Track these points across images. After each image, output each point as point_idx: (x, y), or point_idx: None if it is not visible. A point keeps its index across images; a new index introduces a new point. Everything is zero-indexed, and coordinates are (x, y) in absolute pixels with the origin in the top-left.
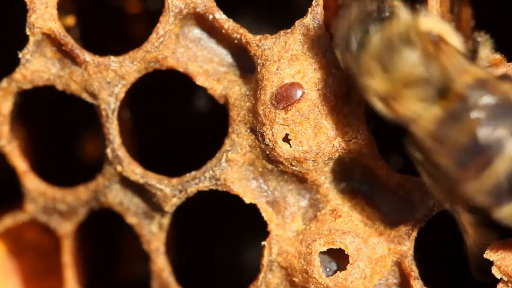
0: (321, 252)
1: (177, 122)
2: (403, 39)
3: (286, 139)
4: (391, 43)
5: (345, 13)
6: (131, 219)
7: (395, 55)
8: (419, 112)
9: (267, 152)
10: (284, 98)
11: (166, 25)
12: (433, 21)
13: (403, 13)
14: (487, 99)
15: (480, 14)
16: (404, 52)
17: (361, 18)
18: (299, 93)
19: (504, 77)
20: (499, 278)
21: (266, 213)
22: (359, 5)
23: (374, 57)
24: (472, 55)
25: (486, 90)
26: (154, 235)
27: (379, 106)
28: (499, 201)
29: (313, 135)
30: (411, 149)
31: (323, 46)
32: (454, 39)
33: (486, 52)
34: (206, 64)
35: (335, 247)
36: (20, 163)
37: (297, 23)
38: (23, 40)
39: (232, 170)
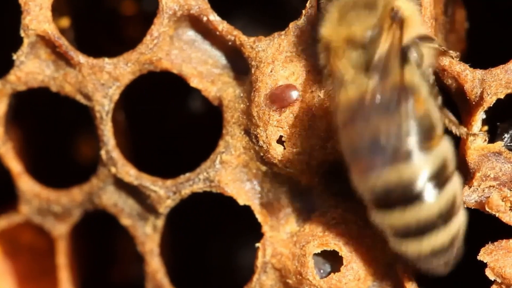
0: (315, 254)
1: (171, 123)
2: (369, 2)
3: (280, 141)
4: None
5: None
6: (125, 221)
7: (354, 11)
8: (349, 77)
9: (261, 154)
10: (279, 99)
11: (160, 27)
12: (409, 5)
13: None
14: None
15: (476, 15)
16: (363, 12)
17: None
18: (295, 95)
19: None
20: (492, 280)
21: (260, 214)
22: None
23: (339, 7)
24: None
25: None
26: (148, 236)
27: (322, 56)
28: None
29: (307, 137)
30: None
31: (317, 48)
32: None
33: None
34: (200, 66)
35: (329, 249)
36: (14, 165)
37: (291, 25)
38: (18, 42)
39: (226, 172)
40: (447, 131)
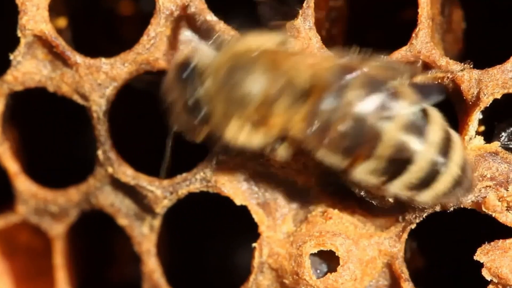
0: (311, 254)
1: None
2: (234, 71)
3: None
4: (228, 82)
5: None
6: (122, 221)
7: (240, 91)
8: (290, 120)
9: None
10: None
11: (157, 27)
12: (253, 37)
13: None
14: (353, 77)
15: (473, 15)
16: (246, 81)
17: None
18: None
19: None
20: (489, 280)
21: (257, 214)
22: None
23: (222, 102)
24: None
25: (347, 70)
26: (145, 236)
27: (243, 137)
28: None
29: None
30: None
31: (314, 47)
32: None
33: None
34: None
35: (325, 249)
36: (11, 165)
37: (287, 25)
38: (15, 42)
39: (223, 172)
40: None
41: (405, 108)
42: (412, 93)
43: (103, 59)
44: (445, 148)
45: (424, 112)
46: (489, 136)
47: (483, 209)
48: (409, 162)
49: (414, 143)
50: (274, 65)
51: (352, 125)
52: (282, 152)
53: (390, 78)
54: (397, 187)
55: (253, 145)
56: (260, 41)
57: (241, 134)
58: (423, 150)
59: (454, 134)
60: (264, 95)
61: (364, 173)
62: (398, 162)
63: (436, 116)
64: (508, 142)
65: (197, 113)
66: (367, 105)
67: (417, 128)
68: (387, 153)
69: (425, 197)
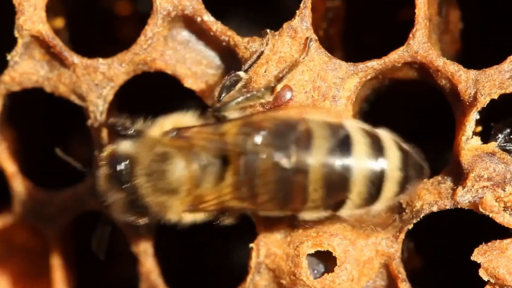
0: (308, 254)
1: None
2: (156, 160)
3: None
4: (153, 173)
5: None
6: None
7: (166, 180)
8: (221, 193)
9: None
10: (273, 98)
11: (154, 28)
12: (160, 122)
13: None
14: (260, 136)
15: (470, 16)
16: (169, 169)
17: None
18: (288, 95)
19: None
20: (486, 280)
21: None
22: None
23: (154, 193)
24: (218, 114)
25: (253, 131)
26: (142, 237)
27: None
28: None
29: None
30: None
31: (311, 48)
32: (188, 118)
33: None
34: (194, 66)
35: (322, 249)
36: (8, 165)
37: (285, 25)
38: (12, 42)
39: None
40: None
41: (320, 148)
42: (324, 126)
43: (100, 60)
44: (377, 152)
45: (341, 127)
46: (486, 136)
47: (480, 209)
48: (346, 183)
49: (342, 162)
50: (189, 146)
51: (276, 180)
52: (229, 221)
53: (296, 123)
54: (348, 211)
55: (199, 221)
56: (172, 122)
57: (182, 216)
58: (355, 164)
59: (381, 133)
60: (189, 178)
61: (309, 213)
62: (337, 190)
63: (354, 126)
64: (505, 144)
65: (134, 209)
66: (282, 159)
67: (340, 147)
68: (320, 189)
69: (379, 207)
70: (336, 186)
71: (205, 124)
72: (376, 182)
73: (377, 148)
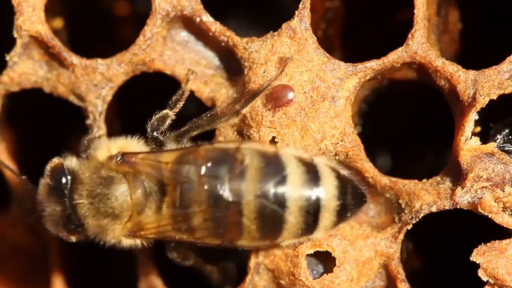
0: (308, 255)
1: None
2: (100, 183)
3: (273, 142)
4: (96, 195)
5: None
6: None
7: (109, 204)
8: (161, 222)
9: None
10: (274, 98)
11: (153, 28)
12: (107, 145)
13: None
14: (196, 167)
15: (469, 16)
16: (112, 193)
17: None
18: (290, 95)
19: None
20: (485, 280)
21: None
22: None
23: (96, 217)
24: (159, 142)
25: (189, 162)
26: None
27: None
28: None
29: (300, 137)
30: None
31: (310, 48)
32: (134, 144)
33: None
34: (193, 66)
35: (322, 250)
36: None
37: (284, 25)
38: (11, 43)
39: None
40: None
41: (254, 179)
42: (260, 157)
43: (99, 60)
44: (313, 181)
45: (276, 157)
46: (485, 137)
47: (479, 210)
48: (281, 214)
49: (276, 193)
50: (133, 172)
51: (211, 212)
52: (175, 255)
53: (231, 154)
54: (286, 241)
55: (139, 246)
56: (119, 146)
57: (121, 240)
58: (290, 195)
59: (318, 161)
60: (132, 204)
61: (247, 243)
62: (272, 221)
63: (290, 155)
64: (504, 144)
65: (69, 225)
66: (216, 190)
67: (275, 178)
68: (254, 220)
69: (319, 235)
70: (271, 217)
71: (150, 152)
72: (312, 212)
73: (313, 177)
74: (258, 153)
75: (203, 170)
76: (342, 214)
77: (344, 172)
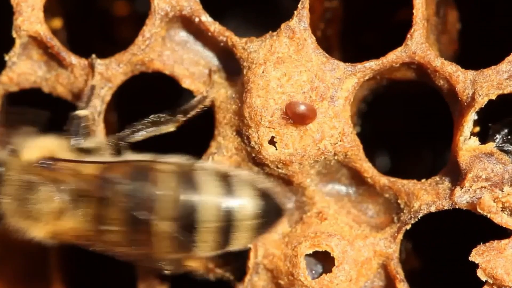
0: (306, 255)
1: None
2: (22, 186)
3: (272, 142)
4: (18, 197)
5: None
6: None
7: (29, 207)
8: (79, 229)
9: (253, 155)
10: (299, 118)
11: (152, 28)
12: (39, 145)
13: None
14: (113, 183)
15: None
16: (33, 197)
17: None
18: (302, 108)
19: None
20: (484, 280)
21: None
22: None
23: (16, 217)
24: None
25: (108, 176)
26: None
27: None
28: None
29: (299, 137)
30: None
31: (309, 48)
32: (62, 148)
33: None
34: (192, 66)
35: (320, 250)
36: None
37: (283, 25)
38: (10, 43)
39: None
40: None
41: (168, 197)
42: (173, 175)
43: (98, 60)
44: (227, 195)
45: (191, 173)
46: (484, 137)
47: (478, 210)
48: (195, 229)
49: (190, 209)
50: (55, 178)
51: (126, 226)
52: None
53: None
54: (203, 254)
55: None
56: (45, 149)
57: (47, 239)
58: (203, 208)
59: (236, 175)
60: (51, 210)
61: (163, 255)
62: (186, 235)
63: (206, 171)
64: (503, 144)
65: None
66: (131, 207)
67: (188, 193)
68: (168, 235)
69: (235, 247)
70: (185, 232)
71: (74, 160)
72: (226, 226)
73: (228, 192)
74: (173, 169)
75: (120, 186)
76: (257, 228)
77: (265, 184)
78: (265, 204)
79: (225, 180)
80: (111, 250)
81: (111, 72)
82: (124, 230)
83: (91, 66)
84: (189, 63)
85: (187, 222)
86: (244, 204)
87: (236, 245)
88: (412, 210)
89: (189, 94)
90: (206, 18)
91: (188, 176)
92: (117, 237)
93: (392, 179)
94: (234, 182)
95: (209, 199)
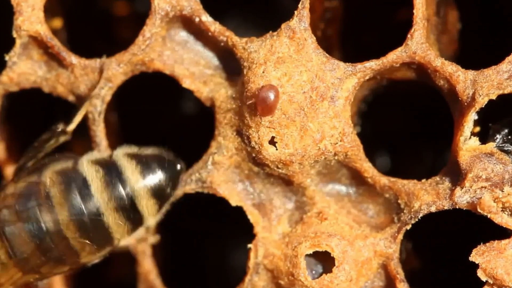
0: (307, 255)
1: (163, 124)
2: None
3: (272, 142)
4: None
5: None
6: None
7: None
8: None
9: (253, 155)
10: (259, 98)
11: (152, 28)
12: None
13: None
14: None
15: (468, 16)
16: None
17: None
18: (271, 96)
19: None
20: (484, 281)
21: (252, 215)
22: None
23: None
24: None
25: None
26: (141, 237)
27: None
28: None
29: (299, 137)
30: None
31: (309, 48)
32: None
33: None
34: (192, 66)
35: (321, 250)
36: (7, 166)
37: (283, 25)
38: (10, 43)
39: (218, 173)
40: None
41: (61, 204)
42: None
43: (99, 60)
44: (115, 180)
45: (75, 172)
46: (484, 137)
47: (479, 210)
48: (100, 222)
49: (87, 207)
50: None
51: (39, 248)
52: None
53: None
54: (124, 240)
55: None
56: None
57: None
58: (100, 202)
59: (115, 156)
60: None
61: (90, 257)
62: (96, 230)
63: (86, 164)
64: (503, 144)
65: None
66: (32, 228)
67: (80, 193)
68: (80, 238)
69: (152, 221)
70: (94, 228)
71: None
72: (129, 207)
73: (115, 174)
74: (58, 174)
75: (15, 210)
76: (160, 193)
77: (148, 151)
78: (155, 168)
79: (107, 167)
80: (43, 275)
81: (111, 72)
82: (43, 251)
83: (100, 70)
84: (189, 63)
85: (89, 225)
86: (135, 179)
87: (150, 220)
88: (412, 210)
89: (189, 94)
90: (206, 18)
91: (73, 175)
92: (40, 262)
93: (392, 179)
94: (117, 164)
95: (102, 191)
